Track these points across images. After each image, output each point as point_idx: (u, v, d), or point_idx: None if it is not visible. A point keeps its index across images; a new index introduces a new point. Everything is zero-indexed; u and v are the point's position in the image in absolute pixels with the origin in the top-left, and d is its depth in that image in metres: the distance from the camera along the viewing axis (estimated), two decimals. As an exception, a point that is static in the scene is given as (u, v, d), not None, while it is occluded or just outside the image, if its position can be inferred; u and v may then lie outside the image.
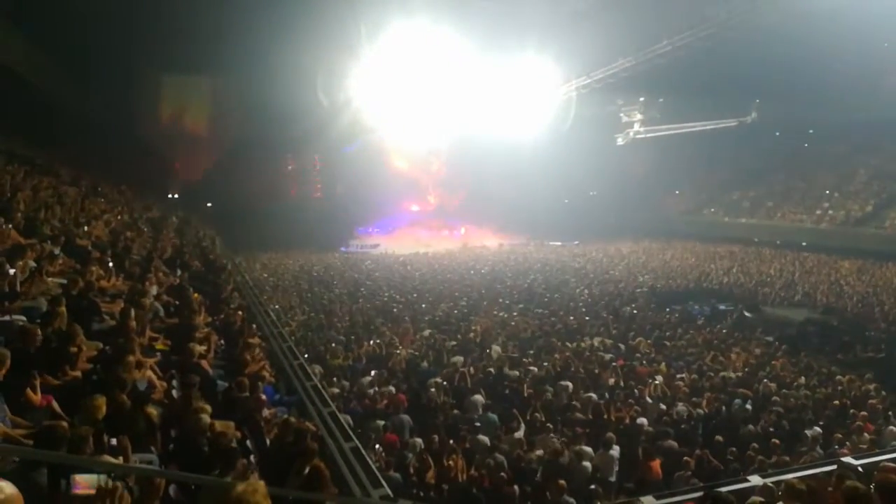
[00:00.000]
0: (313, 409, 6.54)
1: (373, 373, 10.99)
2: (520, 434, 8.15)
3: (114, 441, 4.18)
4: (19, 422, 4.45)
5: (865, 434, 8.80)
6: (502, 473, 6.76)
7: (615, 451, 7.61)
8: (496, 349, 13.09)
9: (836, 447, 8.33)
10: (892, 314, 18.35)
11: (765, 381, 11.53)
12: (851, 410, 9.82)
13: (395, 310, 18.05)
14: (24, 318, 5.94)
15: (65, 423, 4.10)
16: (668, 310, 19.17)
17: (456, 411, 8.89)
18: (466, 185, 49.98)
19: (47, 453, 3.50)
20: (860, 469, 5.38)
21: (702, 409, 9.71)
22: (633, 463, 7.72)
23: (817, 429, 8.99)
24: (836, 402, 10.40)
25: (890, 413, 9.89)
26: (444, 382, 10.23)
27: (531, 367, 11.59)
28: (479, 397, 9.38)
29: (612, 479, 7.50)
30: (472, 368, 10.97)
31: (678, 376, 11.70)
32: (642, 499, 5.12)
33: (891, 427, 9.20)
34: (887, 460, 5.63)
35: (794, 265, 27.96)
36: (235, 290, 12.24)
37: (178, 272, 11.83)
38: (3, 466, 3.39)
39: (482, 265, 28.89)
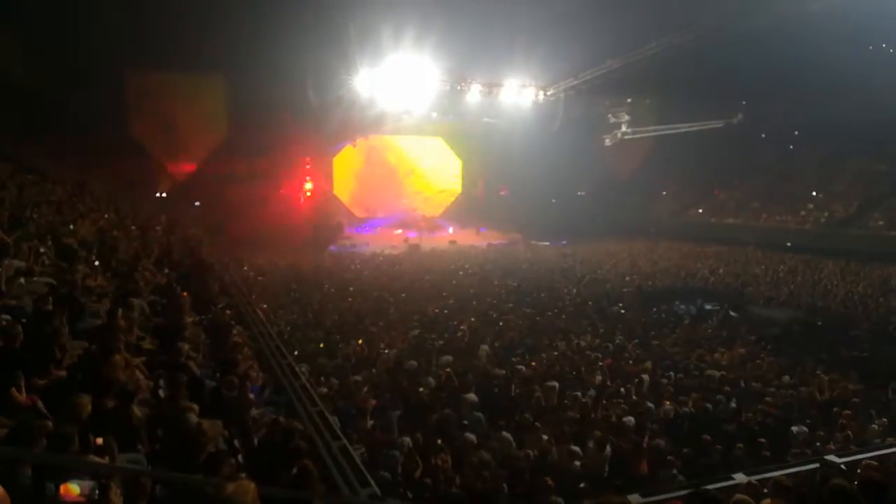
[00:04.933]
0: (301, 409, 6.53)
1: (366, 372, 10.99)
2: (507, 433, 8.17)
3: (99, 441, 4.16)
4: (3, 421, 4.42)
5: (849, 432, 8.91)
6: (485, 472, 6.78)
7: (607, 449, 7.66)
8: (484, 348, 13.11)
9: (818, 444, 8.44)
10: (875, 314, 18.58)
11: (750, 379, 11.66)
12: (835, 409, 9.93)
13: (383, 309, 18.03)
14: (8, 316, 5.89)
15: (47, 422, 4.08)
16: (654, 309, 19.28)
17: (447, 410, 8.90)
18: (455, 185, 50.02)
19: (34, 453, 3.47)
20: (843, 467, 5.46)
21: (688, 407, 9.78)
22: (620, 461, 7.77)
23: (803, 427, 9.10)
24: (820, 400, 10.54)
25: (873, 412, 10.02)
26: (434, 381, 10.27)
27: (519, 367, 11.62)
28: (471, 395, 9.40)
29: (605, 476, 7.56)
30: (460, 367, 10.99)
31: (664, 375, 11.80)
32: (630, 497, 5.16)
33: (874, 425, 9.32)
34: (870, 458, 5.71)
35: (779, 265, 28.22)
36: (223, 290, 12.19)
37: (166, 271, 11.76)
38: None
39: (470, 265, 28.91)
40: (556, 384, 10.31)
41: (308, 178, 43.27)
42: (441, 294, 20.88)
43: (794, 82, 36.08)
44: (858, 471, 5.20)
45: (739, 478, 5.37)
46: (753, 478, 5.32)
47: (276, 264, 28.01)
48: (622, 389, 10.60)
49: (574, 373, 11.51)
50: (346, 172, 46.98)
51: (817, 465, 5.67)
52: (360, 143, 44.53)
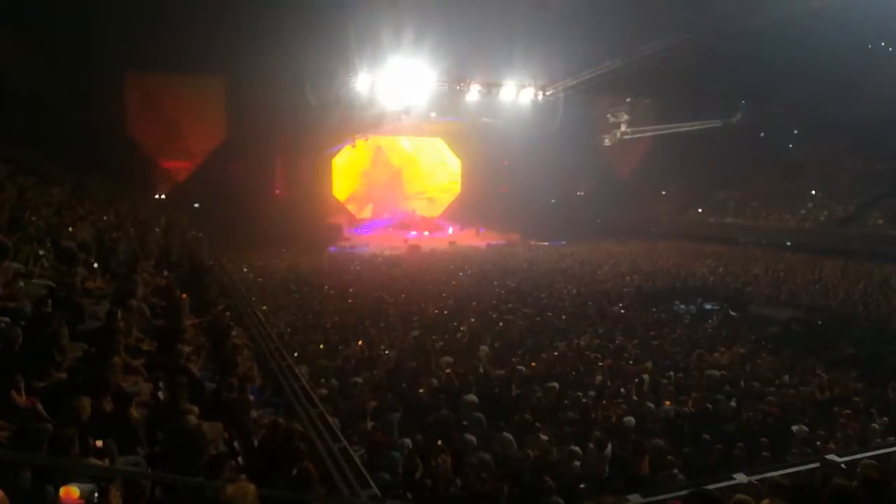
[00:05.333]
0: (301, 410, 6.53)
1: (366, 373, 10.99)
2: (507, 434, 8.17)
3: (99, 443, 4.15)
4: (2, 424, 4.41)
5: (849, 431, 8.91)
6: (485, 473, 6.77)
7: (607, 450, 7.65)
8: (484, 349, 13.12)
9: (819, 443, 8.44)
10: (876, 313, 18.56)
11: (750, 379, 11.66)
12: (836, 408, 9.92)
13: (383, 310, 18.02)
14: (7, 319, 5.88)
15: (47, 425, 4.08)
16: (654, 309, 19.26)
17: (443, 411, 8.89)
18: (455, 185, 50.03)
19: (33, 456, 3.47)
20: (843, 466, 5.46)
21: (688, 407, 9.77)
22: (621, 461, 7.76)
23: (803, 426, 9.10)
24: (821, 399, 10.53)
25: (874, 411, 10.01)
26: (435, 382, 10.27)
27: (519, 367, 11.62)
28: (471, 397, 9.39)
29: (605, 476, 7.55)
30: (460, 368, 10.99)
31: (665, 375, 11.79)
32: (630, 497, 5.16)
33: (874, 424, 9.32)
34: (870, 457, 5.70)
35: (778, 265, 28.21)
36: (223, 291, 12.19)
37: (165, 273, 11.75)
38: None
39: (470, 266, 28.91)
40: (557, 385, 10.32)
41: (307, 178, 43.22)
42: (441, 295, 20.88)
43: (794, 82, 36.05)
44: (858, 470, 5.20)
45: (740, 477, 5.37)
46: (754, 477, 5.32)
47: (276, 266, 28.01)
48: (622, 389, 10.60)
49: (574, 373, 11.51)
50: (345, 173, 46.99)
51: (818, 464, 5.67)
52: (359, 144, 44.48)
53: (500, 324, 16.38)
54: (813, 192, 37.67)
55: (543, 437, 8.15)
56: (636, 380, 11.02)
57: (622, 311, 18.79)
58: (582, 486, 7.18)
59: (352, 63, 33.73)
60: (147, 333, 7.53)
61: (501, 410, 9.41)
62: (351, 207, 46.96)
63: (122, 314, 6.87)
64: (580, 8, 32.24)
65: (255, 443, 5.63)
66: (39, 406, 4.76)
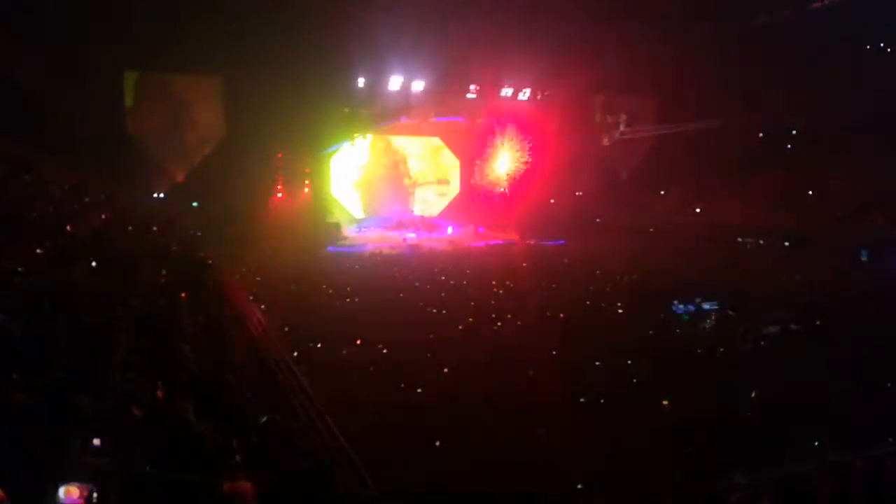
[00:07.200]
0: (300, 409, 6.53)
1: (364, 371, 11.01)
2: (507, 433, 8.18)
3: (97, 442, 4.14)
4: (1, 423, 4.40)
5: (849, 431, 8.91)
6: (485, 472, 6.78)
7: (607, 449, 7.67)
8: (483, 349, 13.12)
9: (818, 443, 8.44)
10: (876, 313, 18.55)
11: (749, 379, 11.67)
12: (835, 408, 9.92)
13: (381, 309, 18.02)
14: (5, 317, 5.87)
15: (46, 424, 4.07)
16: (653, 309, 19.25)
17: (441, 410, 8.90)
18: (454, 185, 49.96)
19: (34, 455, 3.46)
20: (842, 466, 5.47)
21: (689, 407, 9.78)
22: (620, 461, 7.77)
23: (803, 427, 9.10)
24: (820, 400, 10.54)
25: (873, 411, 10.01)
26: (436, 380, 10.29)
27: (519, 367, 11.62)
28: (471, 396, 9.41)
29: (605, 475, 7.55)
30: (458, 368, 11.00)
31: (663, 375, 11.79)
32: (630, 497, 5.17)
33: (874, 424, 9.32)
34: (868, 458, 5.71)
35: (778, 264, 28.20)
36: (221, 290, 12.18)
37: (163, 271, 11.74)
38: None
39: (469, 265, 28.91)
40: (557, 384, 10.33)
41: (306, 178, 43.17)
42: (439, 294, 20.89)
43: (794, 82, 36.06)
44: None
45: (739, 477, 5.37)
46: (753, 477, 5.32)
47: (275, 264, 27.96)
48: (622, 389, 10.61)
49: (574, 373, 11.51)
50: (344, 173, 46.91)
51: (817, 464, 5.67)
52: (358, 143, 44.42)
53: (499, 323, 16.37)
54: (810, 192, 37.64)
55: (543, 436, 8.16)
56: (634, 380, 11.03)
57: (620, 311, 18.77)
58: (579, 486, 7.18)
59: (351, 62, 33.72)
60: (145, 332, 7.52)
61: (501, 410, 9.42)
62: (350, 206, 46.85)
63: (121, 312, 6.87)
64: (580, 6, 32.21)
65: (254, 441, 5.62)
66: (38, 405, 4.75)
